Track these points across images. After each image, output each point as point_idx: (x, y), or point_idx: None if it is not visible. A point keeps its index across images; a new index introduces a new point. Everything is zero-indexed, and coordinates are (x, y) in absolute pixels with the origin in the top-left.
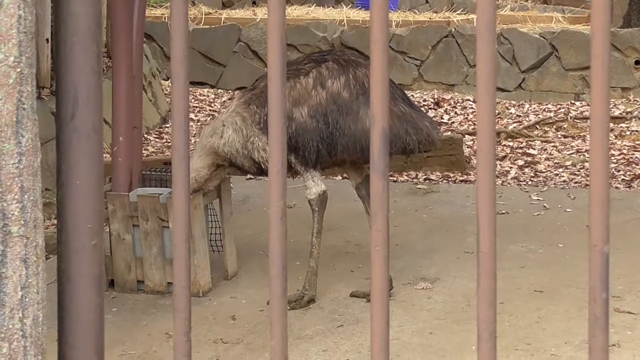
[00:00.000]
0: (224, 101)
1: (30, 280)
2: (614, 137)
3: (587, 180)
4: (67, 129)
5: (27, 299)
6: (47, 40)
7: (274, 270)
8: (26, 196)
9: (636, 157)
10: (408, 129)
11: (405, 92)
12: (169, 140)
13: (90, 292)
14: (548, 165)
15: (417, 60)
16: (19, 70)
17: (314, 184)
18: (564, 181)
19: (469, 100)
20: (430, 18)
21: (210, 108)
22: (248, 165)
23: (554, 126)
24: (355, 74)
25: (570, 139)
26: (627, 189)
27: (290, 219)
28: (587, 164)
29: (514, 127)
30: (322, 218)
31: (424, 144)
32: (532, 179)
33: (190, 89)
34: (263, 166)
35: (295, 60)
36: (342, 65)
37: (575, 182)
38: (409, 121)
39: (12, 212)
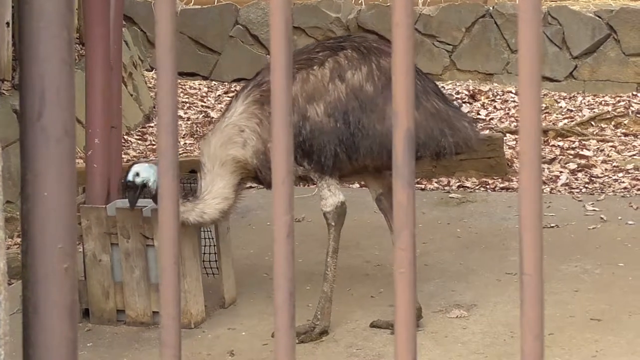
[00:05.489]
0: (219, 95)
1: None
2: None
3: None
4: (33, 130)
5: None
6: (8, 24)
7: (279, 296)
8: None
9: None
10: (444, 129)
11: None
12: (153, 143)
13: (62, 325)
14: (605, 169)
15: (449, 45)
16: None
17: (331, 193)
18: (625, 188)
19: (510, 92)
20: None
21: (203, 103)
22: (270, 177)
23: (613, 122)
24: (379, 64)
25: (632, 137)
26: None
27: (299, 235)
28: None
29: (565, 124)
30: (340, 234)
31: (460, 147)
32: (586, 185)
33: (179, 80)
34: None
35: (304, 49)
36: (362, 53)
37: (639, 189)
38: (444, 120)
39: None
